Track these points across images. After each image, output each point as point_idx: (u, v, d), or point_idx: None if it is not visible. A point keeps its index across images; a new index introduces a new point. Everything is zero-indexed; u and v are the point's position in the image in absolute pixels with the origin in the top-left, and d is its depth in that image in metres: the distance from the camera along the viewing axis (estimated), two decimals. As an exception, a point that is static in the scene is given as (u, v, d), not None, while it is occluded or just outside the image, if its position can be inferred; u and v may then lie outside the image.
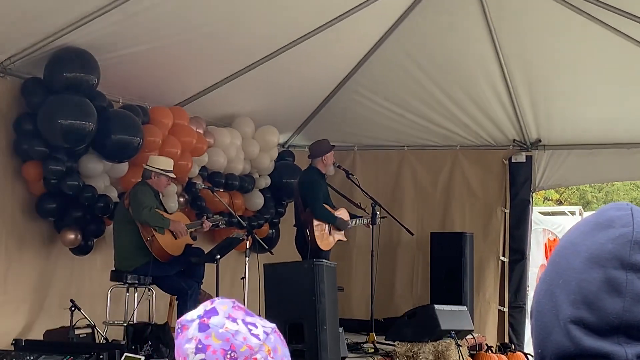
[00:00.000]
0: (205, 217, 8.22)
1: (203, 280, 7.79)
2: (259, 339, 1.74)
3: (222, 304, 1.78)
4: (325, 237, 8.73)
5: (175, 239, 7.59)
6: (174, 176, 7.76)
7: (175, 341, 1.78)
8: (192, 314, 1.78)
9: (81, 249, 7.88)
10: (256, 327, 1.77)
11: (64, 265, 7.91)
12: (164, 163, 7.64)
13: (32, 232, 7.63)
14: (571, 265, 1.15)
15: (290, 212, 10.34)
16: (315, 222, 8.68)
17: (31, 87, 7.34)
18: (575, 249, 1.16)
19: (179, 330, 1.77)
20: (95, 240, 8.02)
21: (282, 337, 1.83)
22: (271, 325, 1.81)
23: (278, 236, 10.55)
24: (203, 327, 1.73)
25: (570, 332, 1.12)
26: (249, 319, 1.78)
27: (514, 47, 9.28)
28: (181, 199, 8.98)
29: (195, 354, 1.71)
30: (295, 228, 8.98)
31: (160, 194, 7.78)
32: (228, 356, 1.71)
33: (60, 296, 7.69)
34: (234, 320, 1.74)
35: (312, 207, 8.70)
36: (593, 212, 1.23)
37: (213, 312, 1.75)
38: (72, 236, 7.70)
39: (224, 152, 9.42)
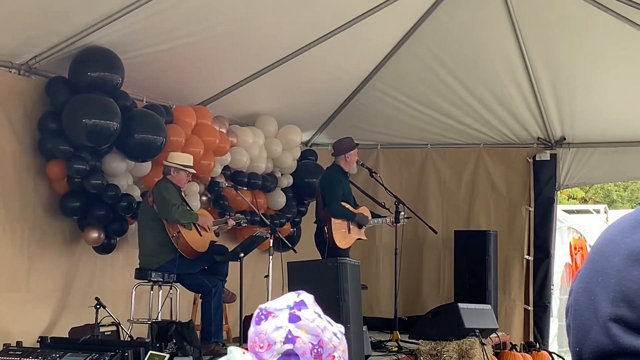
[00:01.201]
0: (228, 215, 8.24)
1: (227, 278, 7.80)
2: (338, 338, 1.78)
3: (308, 298, 1.81)
4: (344, 235, 8.72)
5: (200, 235, 7.62)
6: (194, 171, 7.77)
7: (255, 326, 1.78)
8: (279, 303, 1.80)
9: (104, 248, 7.91)
10: (333, 325, 1.81)
11: (87, 263, 7.95)
12: (184, 159, 7.66)
13: (55, 230, 7.66)
14: (611, 263, 1.13)
15: (312, 210, 10.35)
16: (335, 220, 8.67)
17: (56, 86, 7.37)
18: (614, 246, 1.14)
19: (262, 316, 1.78)
20: (118, 238, 8.05)
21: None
22: (341, 326, 1.85)
23: (299, 235, 10.55)
24: (294, 318, 1.75)
25: (610, 331, 1.10)
26: (327, 317, 1.82)
27: (538, 43, 9.24)
28: (204, 198, 8.99)
29: (284, 343, 1.74)
30: (316, 225, 8.97)
31: (183, 191, 7.80)
32: (315, 351, 1.74)
33: (83, 294, 7.73)
34: (320, 316, 1.78)
35: (329, 204, 8.71)
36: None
37: (302, 304, 1.78)
38: (95, 235, 7.73)
39: (247, 151, 9.43)
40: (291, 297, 1.80)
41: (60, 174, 7.44)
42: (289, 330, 1.74)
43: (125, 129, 7.45)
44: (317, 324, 1.75)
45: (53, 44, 7.16)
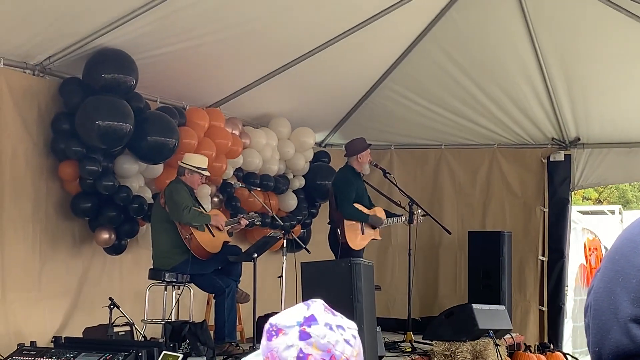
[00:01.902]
0: (241, 215, 8.24)
1: (240, 279, 7.80)
2: (351, 345, 1.77)
3: (317, 310, 1.79)
4: (357, 236, 8.70)
5: (213, 236, 7.62)
6: (208, 174, 7.76)
7: (267, 341, 1.78)
8: (289, 319, 1.78)
9: (115, 249, 7.91)
10: (345, 330, 1.79)
11: (97, 264, 7.96)
12: (199, 161, 7.66)
13: (66, 231, 7.67)
14: (631, 263, 1.12)
15: (322, 212, 10.37)
16: (348, 222, 8.66)
17: (70, 87, 7.38)
18: (635, 246, 1.13)
19: (273, 333, 1.77)
20: (128, 240, 8.05)
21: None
22: (354, 326, 1.83)
23: (309, 236, 10.54)
24: (305, 336, 1.74)
25: (631, 331, 1.09)
26: (338, 322, 1.80)
27: (552, 44, 9.21)
28: (215, 199, 8.99)
29: None
30: (329, 226, 8.96)
31: (195, 192, 7.80)
32: None
33: (93, 295, 7.76)
34: (331, 328, 1.76)
35: (341, 206, 8.70)
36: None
37: (313, 319, 1.76)
38: (106, 236, 7.73)
39: (260, 153, 9.43)
40: (301, 311, 1.79)
41: (72, 175, 7.45)
42: (300, 349, 1.73)
43: (138, 131, 7.45)
44: (328, 339, 1.74)
45: (67, 45, 7.17)
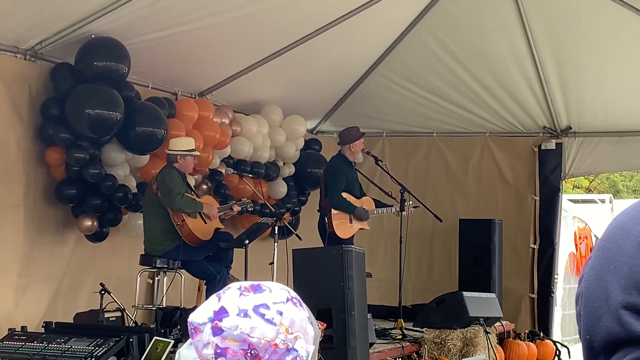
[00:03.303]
0: (233, 202, 8.24)
1: (232, 265, 7.80)
2: (274, 323, 1.71)
3: (230, 298, 1.73)
4: (345, 225, 8.69)
5: (205, 223, 7.61)
6: (199, 154, 7.75)
7: (191, 339, 1.76)
8: (201, 315, 1.74)
9: (96, 236, 7.88)
10: (268, 308, 1.72)
11: (80, 250, 7.93)
12: (186, 143, 7.64)
13: (50, 217, 7.65)
14: (622, 250, 1.12)
15: (311, 199, 10.37)
16: (335, 210, 8.65)
17: (61, 72, 7.35)
18: (626, 233, 1.13)
19: (192, 331, 1.74)
20: (110, 228, 8.02)
21: (296, 300, 1.78)
22: (283, 298, 1.76)
23: (298, 224, 10.53)
24: (217, 331, 1.70)
25: (622, 318, 1.09)
26: (259, 301, 1.73)
27: (544, 32, 9.20)
28: (204, 187, 8.97)
29: (216, 358, 1.70)
30: (319, 213, 8.96)
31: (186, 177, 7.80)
32: (249, 354, 1.69)
33: (77, 281, 7.78)
34: (246, 314, 1.71)
35: (330, 195, 8.70)
36: (623, 200, 1.20)
37: (223, 312, 1.71)
38: (89, 223, 7.70)
39: (251, 140, 9.42)
40: (212, 305, 1.74)
41: (58, 161, 7.42)
42: (216, 345, 1.70)
43: (127, 121, 7.42)
44: (241, 329, 1.69)
45: (59, 30, 7.14)
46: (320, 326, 1.87)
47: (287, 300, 1.76)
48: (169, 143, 7.69)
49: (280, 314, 1.73)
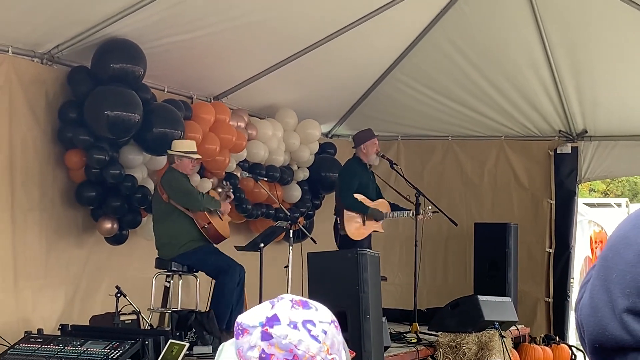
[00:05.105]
0: (224, 183, 8.17)
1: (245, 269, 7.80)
2: (319, 341, 1.76)
3: (282, 308, 1.79)
4: (358, 227, 8.70)
5: (222, 220, 7.65)
6: (198, 157, 7.68)
7: (235, 340, 1.80)
8: (253, 318, 1.79)
9: (116, 239, 7.90)
10: (315, 325, 1.78)
11: (99, 253, 7.95)
12: (186, 145, 7.62)
13: (70, 219, 7.68)
14: (625, 259, 1.13)
15: (326, 203, 10.38)
16: (348, 212, 8.66)
17: (78, 76, 7.39)
18: (628, 242, 1.14)
19: (239, 331, 1.78)
20: (130, 230, 8.05)
21: (337, 324, 1.84)
22: (328, 319, 1.81)
23: (312, 228, 10.53)
24: (266, 337, 1.75)
25: (628, 325, 1.10)
26: (307, 317, 1.79)
27: (560, 35, 9.18)
28: (219, 190, 8.97)
29: None
30: (335, 216, 8.98)
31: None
32: None
33: (96, 284, 7.81)
34: (295, 326, 1.76)
35: (342, 196, 8.72)
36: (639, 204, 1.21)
37: (275, 319, 1.77)
38: (108, 225, 7.72)
39: (266, 144, 9.44)
40: (265, 311, 1.79)
41: (78, 163, 7.46)
42: (263, 349, 1.74)
43: (144, 122, 7.45)
44: (289, 339, 1.74)
45: (75, 34, 7.18)
46: (350, 354, 1.93)
47: (331, 322, 1.83)
48: (172, 144, 7.66)
49: (325, 333, 1.79)
